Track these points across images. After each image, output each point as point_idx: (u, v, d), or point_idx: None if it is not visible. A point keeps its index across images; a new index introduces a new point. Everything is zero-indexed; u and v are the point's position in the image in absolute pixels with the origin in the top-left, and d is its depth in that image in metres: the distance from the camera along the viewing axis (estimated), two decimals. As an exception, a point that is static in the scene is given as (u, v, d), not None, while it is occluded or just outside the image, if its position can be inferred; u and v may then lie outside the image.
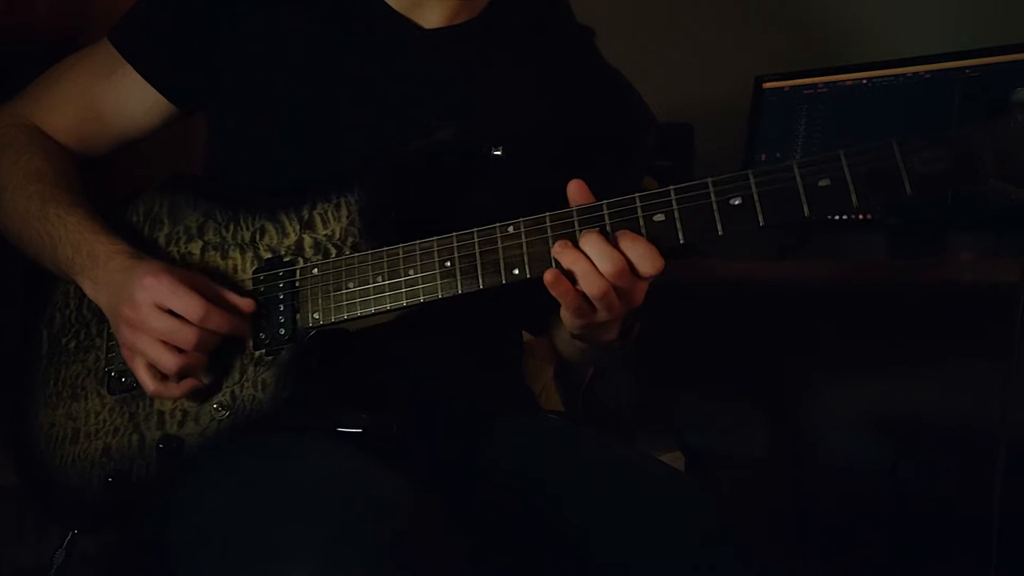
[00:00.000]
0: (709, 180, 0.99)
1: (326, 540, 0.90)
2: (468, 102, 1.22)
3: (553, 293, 1.02)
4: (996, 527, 1.36)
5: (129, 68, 1.25)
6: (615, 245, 1.00)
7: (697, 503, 1.09)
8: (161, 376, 1.12)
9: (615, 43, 1.36)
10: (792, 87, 2.12)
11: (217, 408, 1.14)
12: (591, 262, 1.00)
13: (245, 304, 1.13)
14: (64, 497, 1.20)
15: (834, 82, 2.07)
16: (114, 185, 1.31)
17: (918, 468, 2.07)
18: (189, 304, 1.08)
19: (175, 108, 1.27)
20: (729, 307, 2.21)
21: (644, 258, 1.00)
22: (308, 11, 1.21)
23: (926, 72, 1.96)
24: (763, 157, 2.11)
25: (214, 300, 1.11)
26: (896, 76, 1.99)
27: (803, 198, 0.95)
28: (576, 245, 1.02)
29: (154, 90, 1.25)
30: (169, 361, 1.09)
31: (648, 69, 1.59)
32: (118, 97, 1.26)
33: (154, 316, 1.08)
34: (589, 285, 1.01)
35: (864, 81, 2.03)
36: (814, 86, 2.09)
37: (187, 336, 1.08)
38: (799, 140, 2.07)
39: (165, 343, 1.09)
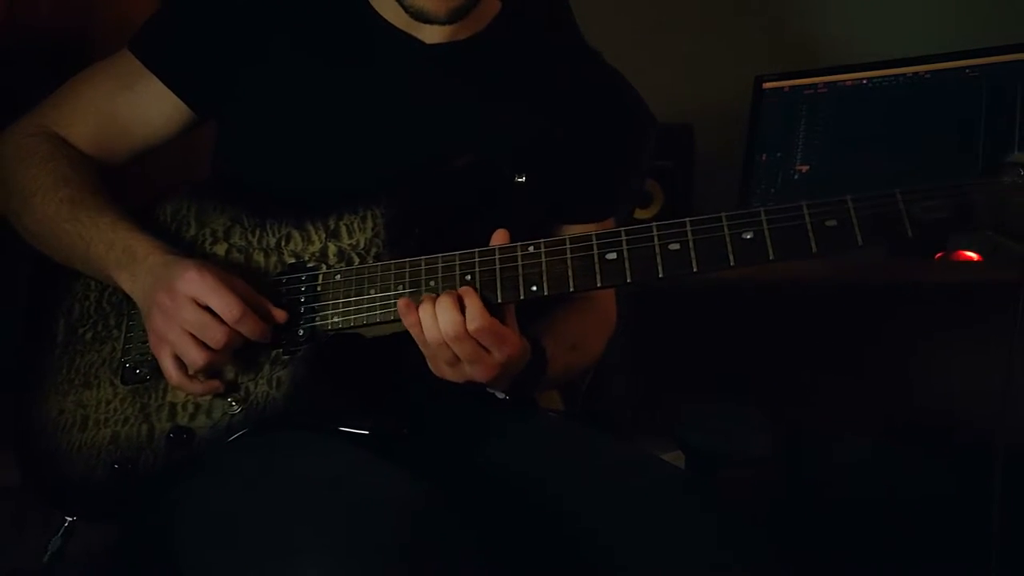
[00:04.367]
0: (723, 214, 1.03)
1: (341, 538, 0.91)
2: (475, 117, 1.25)
3: (403, 321, 1.08)
4: (996, 528, 1.36)
5: (150, 76, 1.28)
6: (460, 310, 1.06)
7: (698, 503, 1.09)
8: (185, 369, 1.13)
9: (615, 43, 1.37)
10: (792, 87, 2.12)
11: (230, 403, 1.15)
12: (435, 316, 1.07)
13: (279, 314, 1.15)
14: (67, 483, 1.21)
15: (834, 82, 2.07)
16: (122, 191, 1.32)
17: (917, 468, 2.07)
18: (227, 304, 1.10)
19: (193, 113, 1.30)
20: (729, 307, 2.21)
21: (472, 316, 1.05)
22: (318, 34, 1.25)
23: (926, 72, 1.96)
24: (763, 157, 2.10)
25: (251, 304, 1.13)
26: (896, 76, 2.00)
27: (811, 236, 1.00)
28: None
29: (173, 96, 1.28)
30: (196, 356, 1.11)
31: (648, 69, 1.59)
32: (139, 105, 1.29)
33: (189, 308, 1.10)
34: (428, 332, 1.07)
35: (864, 81, 2.03)
36: (814, 86, 2.09)
37: (217, 334, 1.10)
38: (799, 140, 2.07)
39: (194, 337, 1.11)
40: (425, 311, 1.07)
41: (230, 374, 1.16)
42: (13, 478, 1.26)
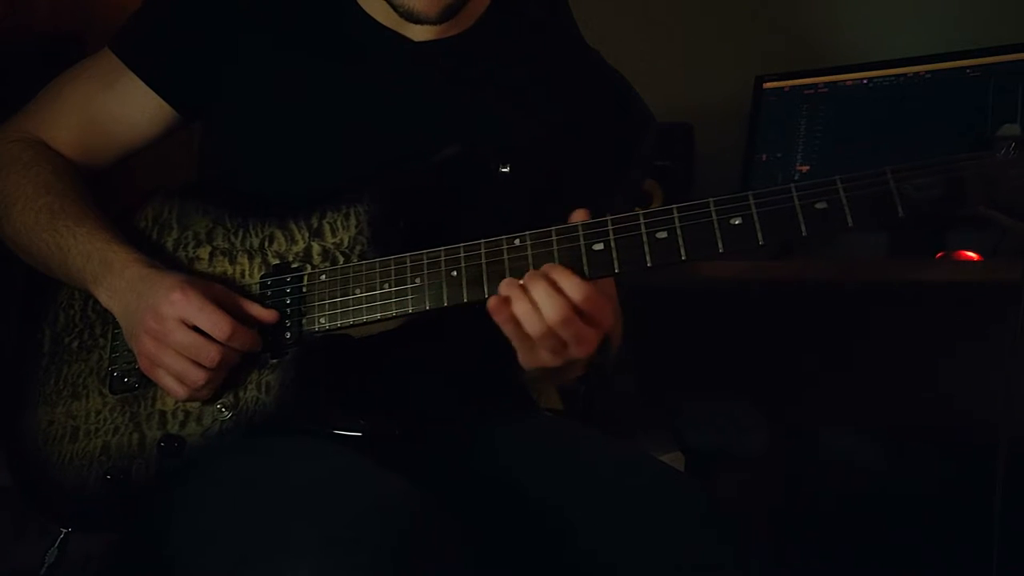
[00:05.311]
0: (711, 200, 1.01)
1: (328, 539, 0.90)
2: (463, 113, 1.24)
3: (496, 320, 1.04)
4: (997, 527, 1.36)
5: (131, 75, 1.26)
6: (560, 291, 1.01)
7: (695, 503, 1.09)
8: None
9: (615, 43, 1.37)
10: (792, 87, 2.12)
11: (220, 409, 1.15)
12: (535, 305, 1.02)
13: (268, 315, 1.14)
14: (60, 495, 1.20)
15: (834, 82, 2.06)
16: (110, 195, 1.31)
17: (917, 468, 2.07)
18: (216, 323, 1.09)
19: (176, 114, 1.28)
20: (729, 307, 2.21)
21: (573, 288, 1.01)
22: (302, 32, 1.24)
23: (926, 72, 1.96)
24: (764, 157, 2.10)
25: (237, 314, 1.12)
26: (896, 76, 1.99)
27: (801, 219, 0.99)
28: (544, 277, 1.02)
29: (156, 95, 1.26)
30: (195, 376, 1.10)
31: (648, 69, 1.59)
32: (121, 105, 1.27)
33: (180, 332, 1.09)
34: (531, 325, 1.02)
35: (864, 81, 2.03)
36: (814, 86, 2.09)
37: (211, 354, 1.09)
38: (799, 140, 2.07)
39: (190, 358, 1.10)
40: (521, 305, 1.02)
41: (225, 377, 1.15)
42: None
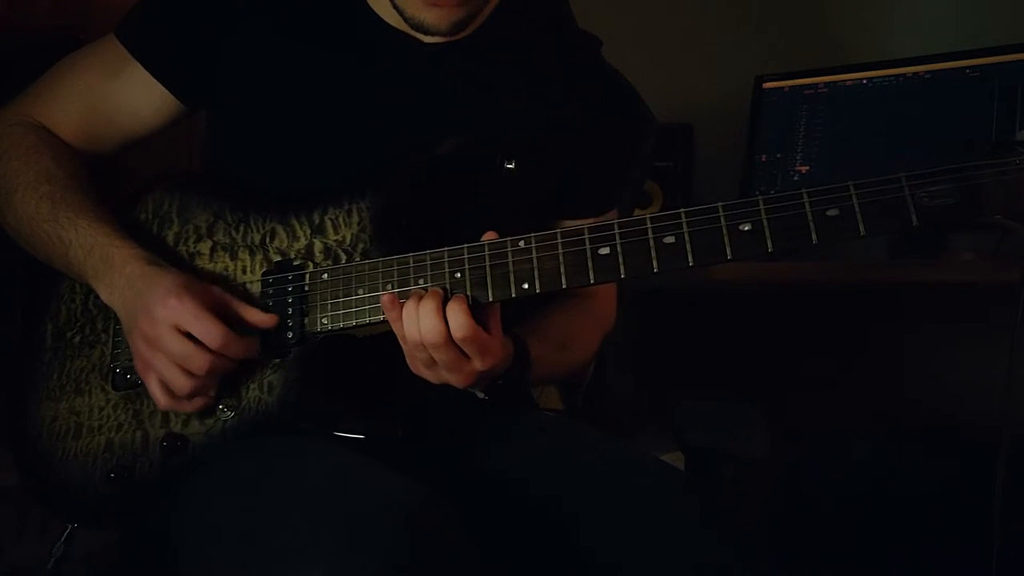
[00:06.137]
0: (719, 205, 0.99)
1: (341, 541, 0.90)
2: (470, 115, 1.23)
3: (386, 315, 1.07)
4: (997, 527, 1.36)
5: (136, 65, 1.25)
6: (442, 317, 1.04)
7: (696, 503, 1.08)
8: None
9: (616, 44, 1.36)
10: (792, 87, 2.12)
11: (223, 409, 1.14)
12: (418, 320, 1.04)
13: (267, 320, 1.13)
14: (65, 491, 1.20)
15: (834, 82, 2.07)
16: (109, 182, 1.30)
17: (918, 468, 2.07)
18: (209, 331, 1.09)
19: (181, 104, 1.27)
20: (730, 307, 2.21)
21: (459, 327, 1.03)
22: (309, 28, 1.22)
23: (926, 72, 1.96)
24: (763, 158, 2.11)
25: (234, 321, 1.11)
26: (896, 76, 2.00)
27: (812, 226, 0.96)
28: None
29: (161, 86, 1.25)
30: (182, 383, 1.10)
31: (648, 69, 1.59)
32: (125, 94, 1.26)
33: (172, 338, 1.09)
34: (408, 331, 1.05)
35: (864, 81, 2.03)
36: (814, 86, 2.09)
37: (202, 362, 1.09)
38: (799, 140, 2.07)
39: (180, 365, 1.09)
40: (408, 310, 1.05)
41: (221, 380, 1.14)
42: (14, 478, 1.26)
